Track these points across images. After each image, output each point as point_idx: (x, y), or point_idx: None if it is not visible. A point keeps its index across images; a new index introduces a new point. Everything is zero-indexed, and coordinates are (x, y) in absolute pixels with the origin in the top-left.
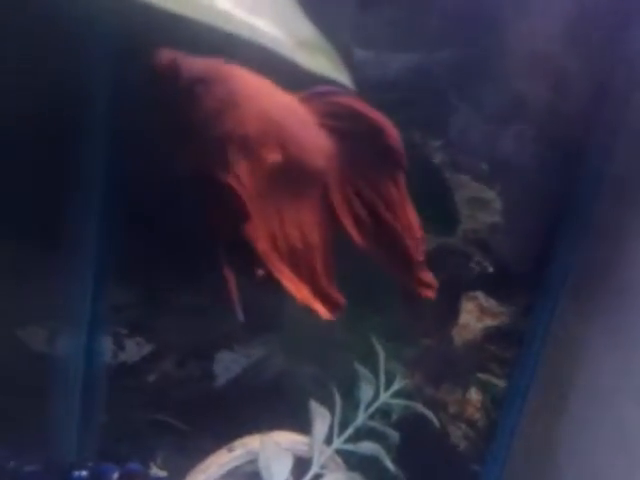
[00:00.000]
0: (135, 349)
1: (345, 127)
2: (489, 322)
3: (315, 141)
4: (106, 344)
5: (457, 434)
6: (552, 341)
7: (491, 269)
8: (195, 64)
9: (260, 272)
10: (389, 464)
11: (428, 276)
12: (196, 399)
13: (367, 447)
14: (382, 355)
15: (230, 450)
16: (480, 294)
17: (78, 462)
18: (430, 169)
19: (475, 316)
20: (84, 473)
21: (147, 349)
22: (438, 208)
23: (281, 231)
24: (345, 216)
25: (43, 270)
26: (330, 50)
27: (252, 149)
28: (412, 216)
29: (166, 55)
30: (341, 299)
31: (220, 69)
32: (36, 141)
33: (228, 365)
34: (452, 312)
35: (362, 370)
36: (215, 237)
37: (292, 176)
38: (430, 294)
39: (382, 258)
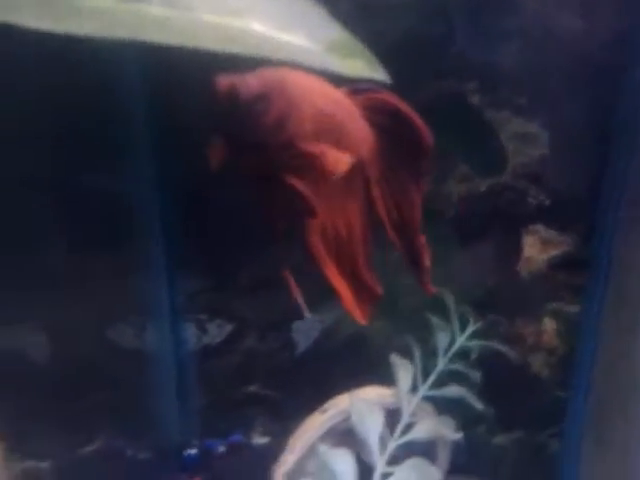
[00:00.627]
0: (217, 331)
1: (384, 123)
2: (553, 252)
3: (361, 133)
4: (190, 331)
5: (537, 363)
6: (618, 262)
7: (547, 201)
8: (251, 82)
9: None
10: (475, 403)
11: (428, 277)
12: (282, 368)
13: (452, 390)
14: (452, 301)
15: (323, 412)
16: (540, 227)
17: (186, 443)
18: (470, 112)
19: (538, 249)
20: (194, 451)
21: (228, 329)
22: (484, 149)
23: (330, 221)
24: (381, 209)
25: (120, 271)
26: (361, 49)
27: (312, 147)
28: (419, 221)
29: (224, 81)
30: (379, 289)
31: (275, 80)
32: (97, 149)
33: (306, 332)
34: (514, 248)
35: (434, 319)
36: (275, 235)
37: None
38: (430, 291)
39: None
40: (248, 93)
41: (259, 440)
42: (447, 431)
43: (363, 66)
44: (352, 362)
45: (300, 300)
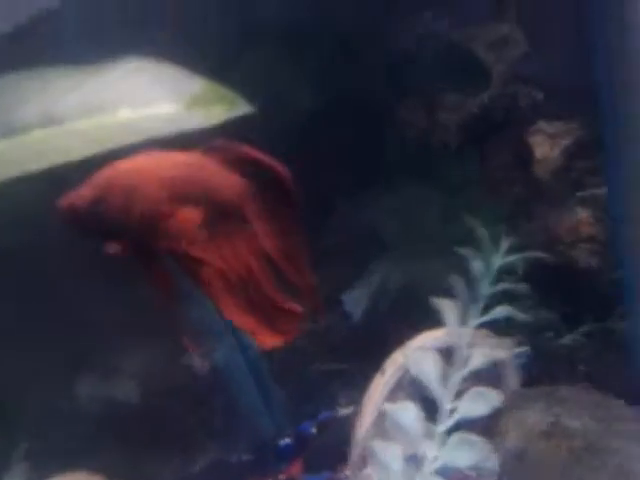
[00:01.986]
0: None
1: (248, 170)
2: (564, 143)
3: (227, 182)
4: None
5: (584, 255)
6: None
7: (541, 95)
8: (84, 192)
9: None
10: (522, 317)
11: (317, 299)
12: (345, 340)
13: (500, 311)
14: (480, 226)
15: (383, 372)
16: (542, 123)
17: (279, 434)
18: (439, 41)
19: (548, 145)
20: (288, 440)
21: None
22: (463, 68)
23: (227, 267)
24: (268, 244)
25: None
26: (222, 90)
27: (174, 211)
28: (302, 248)
29: (62, 202)
30: (297, 308)
31: (103, 180)
32: None
33: (356, 300)
34: (525, 153)
35: (466, 251)
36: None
37: (219, 216)
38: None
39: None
40: (84, 203)
41: (344, 411)
42: (508, 350)
43: (224, 110)
44: (405, 315)
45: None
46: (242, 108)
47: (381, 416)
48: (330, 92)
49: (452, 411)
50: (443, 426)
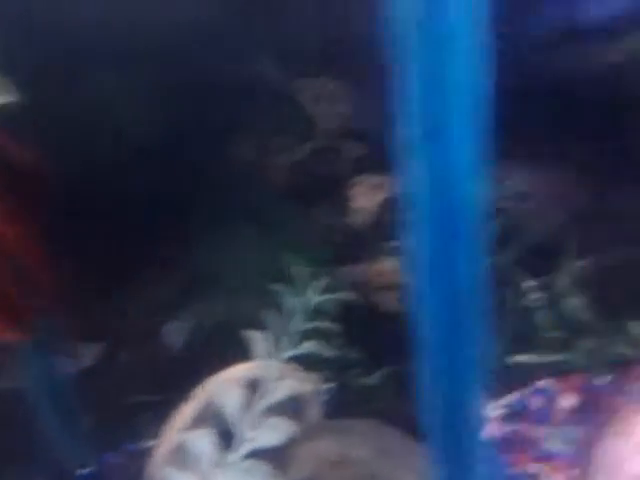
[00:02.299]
0: (87, 352)
1: None
2: (383, 195)
3: None
4: (61, 358)
5: (386, 301)
6: None
7: (365, 149)
8: None
9: None
10: (329, 353)
11: (49, 287)
12: (161, 372)
13: (308, 347)
14: (296, 266)
15: (187, 402)
16: (365, 176)
17: (78, 463)
18: (269, 87)
19: (368, 197)
20: (87, 470)
21: (98, 348)
22: (292, 119)
23: None
24: (2, 229)
25: None
26: None
27: None
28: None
29: None
30: (33, 303)
31: None
32: None
33: (176, 333)
34: (345, 204)
35: (281, 287)
36: None
37: None
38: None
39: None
40: None
41: (151, 442)
42: (313, 385)
43: None
44: (223, 349)
45: None
46: (7, 97)
47: (180, 446)
48: (163, 128)
49: (249, 441)
50: (236, 455)
